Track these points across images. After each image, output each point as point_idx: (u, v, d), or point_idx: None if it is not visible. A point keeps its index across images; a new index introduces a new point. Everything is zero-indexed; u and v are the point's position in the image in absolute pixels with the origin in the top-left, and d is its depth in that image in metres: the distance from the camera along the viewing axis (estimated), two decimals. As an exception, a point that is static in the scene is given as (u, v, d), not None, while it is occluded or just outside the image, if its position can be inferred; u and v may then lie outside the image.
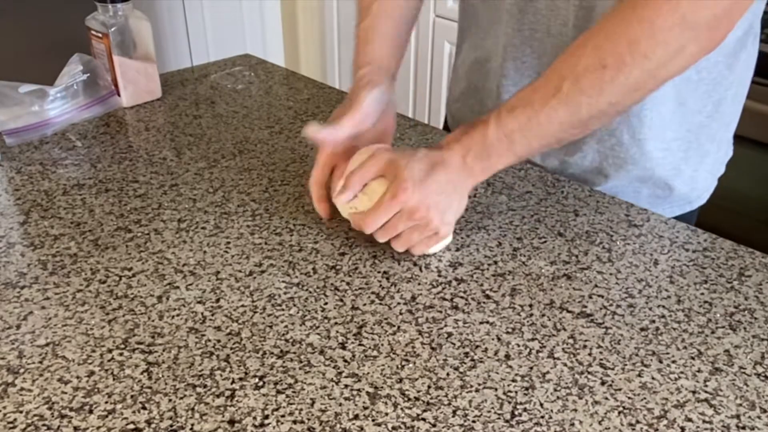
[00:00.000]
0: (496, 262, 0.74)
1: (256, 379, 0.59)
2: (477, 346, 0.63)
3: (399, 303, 0.68)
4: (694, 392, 0.58)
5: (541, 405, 0.57)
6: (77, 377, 0.59)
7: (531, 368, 0.60)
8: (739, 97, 0.89)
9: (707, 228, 0.81)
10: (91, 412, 0.55)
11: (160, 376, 0.59)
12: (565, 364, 0.61)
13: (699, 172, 0.90)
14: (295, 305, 0.67)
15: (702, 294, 0.70)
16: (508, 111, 0.69)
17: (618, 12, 0.66)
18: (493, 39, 0.90)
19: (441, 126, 1.10)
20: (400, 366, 0.60)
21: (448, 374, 0.59)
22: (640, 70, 0.65)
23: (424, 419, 0.55)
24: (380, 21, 0.85)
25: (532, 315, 0.67)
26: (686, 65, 0.67)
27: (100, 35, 1.05)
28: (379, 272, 0.72)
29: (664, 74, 0.66)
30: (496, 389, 0.58)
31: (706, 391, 0.58)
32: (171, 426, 0.54)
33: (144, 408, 0.56)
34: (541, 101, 0.67)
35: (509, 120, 0.68)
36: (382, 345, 0.62)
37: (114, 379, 0.58)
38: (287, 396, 0.57)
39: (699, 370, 0.61)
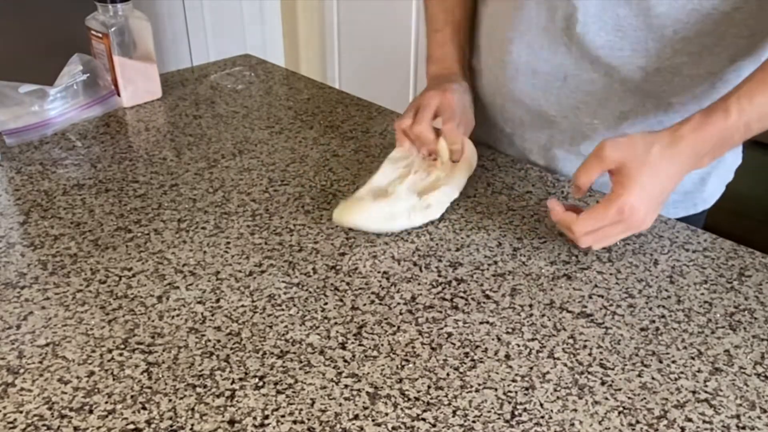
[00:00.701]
0: (496, 262, 0.74)
1: (256, 379, 0.59)
2: (477, 346, 0.63)
3: (399, 303, 0.68)
4: (694, 392, 0.58)
5: (541, 405, 0.57)
6: (77, 377, 0.59)
7: (531, 368, 0.60)
8: None
9: (707, 228, 0.81)
10: (91, 412, 0.55)
11: (160, 376, 0.59)
12: (565, 364, 0.61)
13: (711, 175, 0.90)
14: (295, 305, 0.67)
15: (702, 294, 0.70)
16: (748, 99, 0.67)
17: None
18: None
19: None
20: (400, 366, 0.60)
21: (448, 374, 0.59)
22: None
23: (424, 419, 0.55)
24: (457, 32, 0.95)
25: (532, 315, 0.67)
26: None
27: (100, 35, 1.05)
28: (379, 272, 0.72)
29: None
30: (496, 389, 0.58)
31: (706, 391, 0.58)
32: (171, 426, 0.54)
33: (144, 408, 0.56)
34: None
35: (751, 109, 0.67)
36: (382, 345, 0.62)
37: (114, 379, 0.58)
38: (287, 396, 0.57)
39: (699, 370, 0.61)
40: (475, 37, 0.98)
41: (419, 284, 0.70)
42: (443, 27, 0.96)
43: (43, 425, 0.54)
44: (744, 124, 0.67)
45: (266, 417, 0.55)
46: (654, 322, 0.66)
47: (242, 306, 0.67)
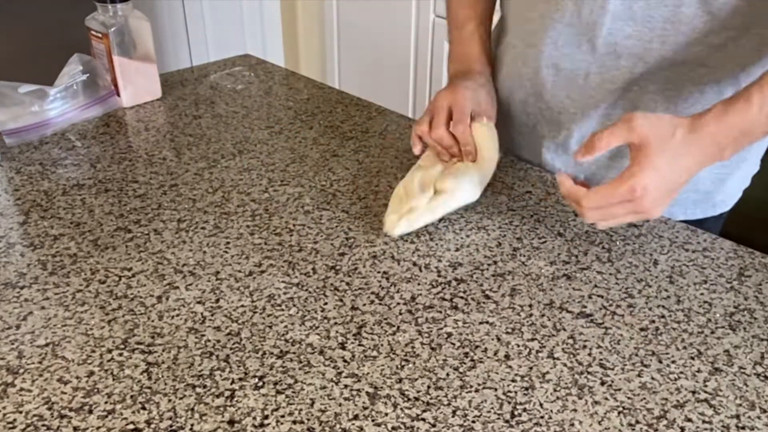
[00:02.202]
0: (496, 262, 0.74)
1: (256, 380, 0.59)
2: (477, 346, 0.63)
3: (399, 303, 0.68)
4: (693, 392, 0.58)
5: (541, 405, 0.57)
6: (77, 377, 0.59)
7: (531, 368, 0.60)
8: None
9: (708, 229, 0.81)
10: (90, 412, 0.55)
11: (160, 376, 0.59)
12: (565, 364, 0.61)
13: (732, 175, 0.89)
14: (294, 305, 0.67)
15: (702, 294, 0.70)
16: None
17: None
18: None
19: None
20: (399, 366, 0.60)
21: (447, 374, 0.59)
22: None
23: (423, 419, 0.55)
24: (478, 27, 0.95)
25: (531, 315, 0.66)
26: None
27: (100, 35, 1.05)
28: (378, 272, 0.72)
29: None
30: (495, 389, 0.58)
31: (705, 391, 0.58)
32: (171, 426, 0.54)
33: (144, 408, 0.56)
34: None
35: None
36: (382, 345, 0.62)
37: (114, 380, 0.58)
38: (287, 396, 0.57)
39: (699, 370, 0.61)
40: (499, 31, 0.98)
41: (419, 284, 0.70)
42: (463, 23, 0.95)
43: (43, 425, 0.54)
44: (766, 115, 0.67)
45: (266, 417, 0.55)
46: (654, 322, 0.66)
47: (242, 306, 0.67)
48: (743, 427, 0.55)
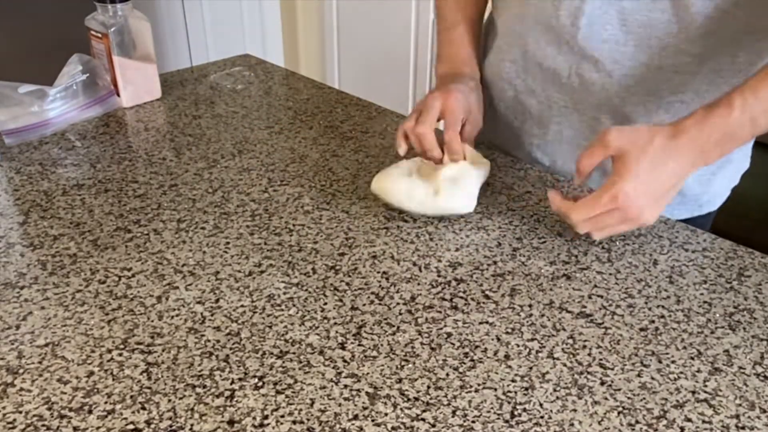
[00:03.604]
0: (495, 262, 0.74)
1: (256, 380, 0.59)
2: (477, 347, 0.63)
3: (398, 303, 0.68)
4: (693, 392, 0.58)
5: (541, 405, 0.57)
6: (77, 377, 0.59)
7: (530, 368, 0.60)
8: None
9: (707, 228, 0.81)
10: (90, 412, 0.55)
11: (160, 376, 0.59)
12: (565, 365, 0.61)
13: (716, 176, 0.89)
14: (294, 305, 0.67)
15: (701, 294, 0.70)
16: (753, 93, 0.66)
17: None
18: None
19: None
20: (399, 366, 0.60)
21: (447, 374, 0.59)
22: None
23: (423, 419, 0.55)
24: (468, 30, 0.96)
25: (531, 315, 0.67)
26: None
27: (99, 35, 1.05)
28: (378, 272, 0.72)
29: None
30: (495, 389, 0.58)
31: (705, 391, 0.58)
32: (170, 426, 0.54)
33: (143, 408, 0.56)
34: None
35: (756, 103, 0.66)
36: (382, 345, 0.62)
37: (113, 380, 0.58)
38: (287, 396, 0.57)
39: (698, 370, 0.61)
40: (487, 32, 0.98)
41: (419, 284, 0.70)
42: (453, 25, 0.96)
43: (43, 425, 0.54)
44: (749, 119, 0.67)
45: (266, 417, 0.55)
46: (653, 322, 0.66)
47: (242, 306, 0.67)
48: (743, 427, 0.55)
